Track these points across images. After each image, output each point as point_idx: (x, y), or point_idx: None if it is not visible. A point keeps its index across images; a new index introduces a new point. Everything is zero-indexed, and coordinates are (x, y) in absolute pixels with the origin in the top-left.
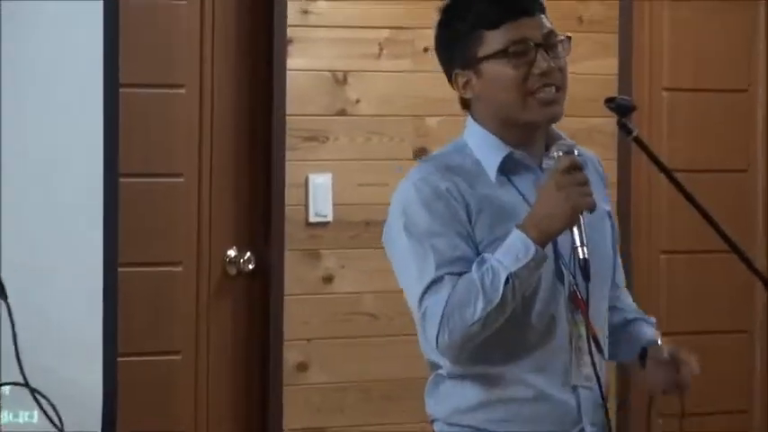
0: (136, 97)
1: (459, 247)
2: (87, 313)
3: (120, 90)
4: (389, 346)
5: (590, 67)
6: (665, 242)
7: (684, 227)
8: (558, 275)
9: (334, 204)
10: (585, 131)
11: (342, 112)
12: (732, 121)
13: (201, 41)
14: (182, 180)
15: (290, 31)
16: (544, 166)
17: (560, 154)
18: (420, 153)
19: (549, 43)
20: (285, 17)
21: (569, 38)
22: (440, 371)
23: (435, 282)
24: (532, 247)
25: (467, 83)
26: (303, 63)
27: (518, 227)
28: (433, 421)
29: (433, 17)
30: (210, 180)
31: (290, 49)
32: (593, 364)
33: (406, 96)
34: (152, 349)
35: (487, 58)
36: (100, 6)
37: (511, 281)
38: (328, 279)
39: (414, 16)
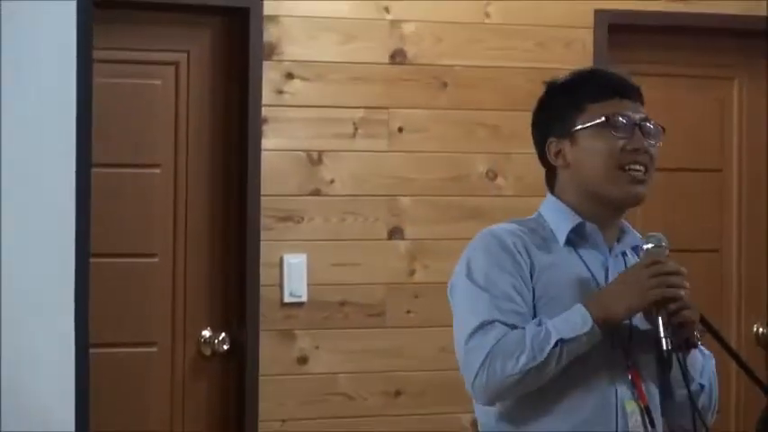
0: (110, 177)
1: (515, 300)
2: (60, 393)
3: (95, 170)
4: (364, 427)
5: None
6: None
7: None
8: (614, 346)
9: (309, 284)
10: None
11: (316, 192)
12: (706, 201)
13: (177, 121)
14: (156, 260)
15: (264, 111)
16: (616, 250)
17: (650, 246)
18: (394, 233)
19: (645, 126)
20: (260, 97)
21: (663, 129)
22: None
23: (485, 324)
24: (590, 323)
25: (559, 152)
26: (278, 143)
27: (584, 302)
28: None
29: (408, 97)
30: (185, 260)
31: (265, 128)
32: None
33: (380, 176)
34: (127, 429)
35: (586, 127)
36: None
37: (559, 346)
38: (303, 359)
39: (389, 96)
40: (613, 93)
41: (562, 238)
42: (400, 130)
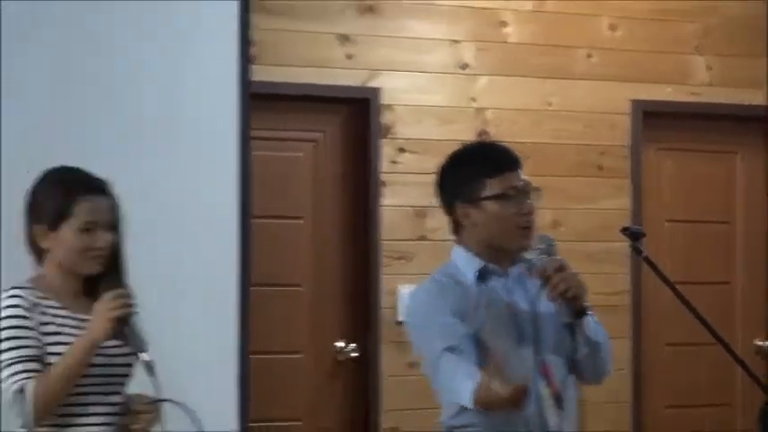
0: (266, 226)
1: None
2: (223, 390)
3: (255, 220)
4: None
5: (609, 204)
6: (668, 335)
7: (682, 325)
8: (523, 347)
9: None
10: (606, 252)
11: (422, 238)
12: (718, 245)
13: (315, 183)
14: (301, 288)
15: (382, 177)
16: (513, 274)
17: (540, 246)
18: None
19: (527, 191)
20: (379, 166)
21: (539, 189)
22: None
23: (446, 350)
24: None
25: (466, 214)
26: (393, 201)
27: None
28: None
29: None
30: (324, 289)
31: (383, 190)
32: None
33: None
34: (278, 417)
35: (489, 198)
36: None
37: None
38: (413, 365)
39: None
40: (503, 168)
41: (471, 277)
42: None
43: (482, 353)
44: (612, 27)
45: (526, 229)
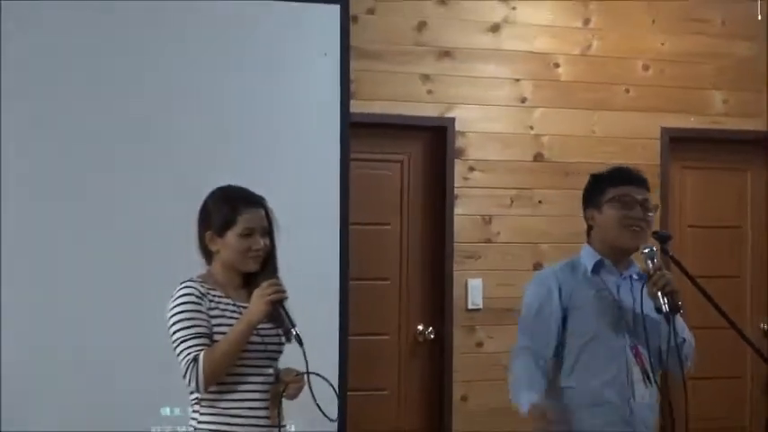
0: (362, 231)
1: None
2: (328, 366)
3: (353, 226)
4: None
5: None
6: (689, 320)
7: (701, 312)
8: (619, 331)
9: (484, 298)
10: (639, 253)
11: (488, 241)
12: (731, 246)
13: (401, 196)
14: (389, 282)
15: (456, 191)
16: (625, 275)
17: (646, 251)
18: (537, 266)
19: (644, 204)
20: (453, 182)
21: (658, 206)
22: None
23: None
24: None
25: (591, 217)
26: (464, 210)
27: None
28: None
29: (545, 182)
30: (407, 282)
31: (456, 201)
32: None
33: (527, 231)
34: (369, 387)
35: (605, 202)
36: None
37: None
38: (480, 344)
39: (532, 181)
40: (624, 181)
41: (589, 266)
42: (540, 202)
43: (570, 338)
44: (645, 67)
45: (634, 231)
